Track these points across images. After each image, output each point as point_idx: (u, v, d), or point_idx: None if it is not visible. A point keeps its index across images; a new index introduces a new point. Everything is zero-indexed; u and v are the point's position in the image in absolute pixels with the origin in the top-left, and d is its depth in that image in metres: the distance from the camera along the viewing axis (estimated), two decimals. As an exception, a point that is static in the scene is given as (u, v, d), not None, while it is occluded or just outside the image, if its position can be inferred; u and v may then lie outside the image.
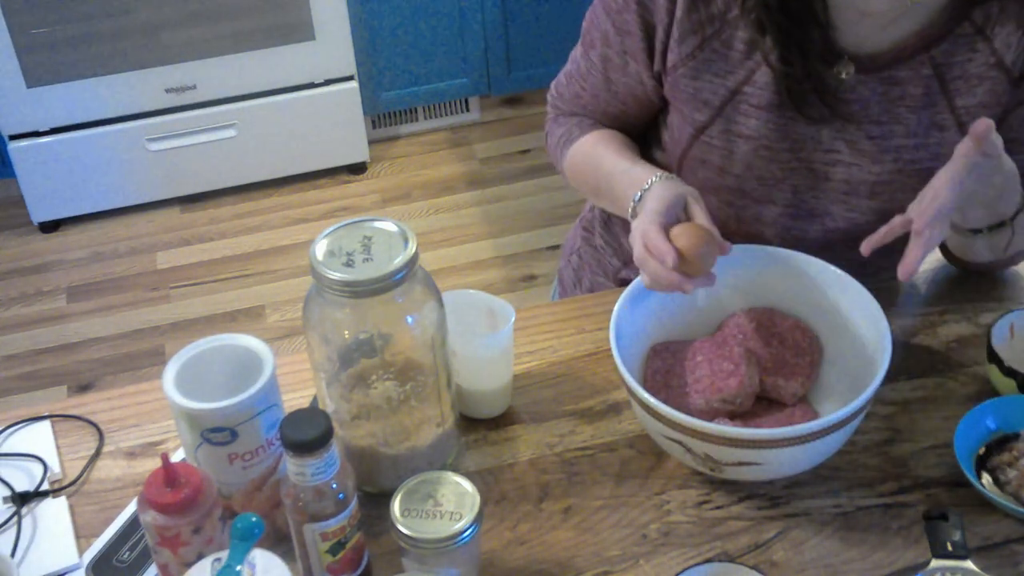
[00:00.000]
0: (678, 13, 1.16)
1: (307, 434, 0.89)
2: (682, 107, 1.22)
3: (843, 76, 1.15)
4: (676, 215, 1.11)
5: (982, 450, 1.09)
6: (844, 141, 1.17)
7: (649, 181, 1.15)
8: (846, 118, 1.16)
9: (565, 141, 1.34)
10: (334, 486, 0.92)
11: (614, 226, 1.41)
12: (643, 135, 1.34)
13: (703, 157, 1.22)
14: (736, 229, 1.25)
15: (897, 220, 1.06)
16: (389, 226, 1.01)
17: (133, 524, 1.07)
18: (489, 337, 1.12)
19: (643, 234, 1.08)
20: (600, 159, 1.28)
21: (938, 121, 1.16)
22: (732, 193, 1.23)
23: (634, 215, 1.15)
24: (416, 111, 3.25)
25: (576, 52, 1.32)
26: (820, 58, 1.14)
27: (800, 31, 1.12)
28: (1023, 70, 1.14)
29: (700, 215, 1.11)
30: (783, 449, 0.99)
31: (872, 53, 1.14)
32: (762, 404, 1.13)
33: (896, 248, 1.35)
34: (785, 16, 1.12)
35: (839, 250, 1.23)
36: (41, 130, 2.83)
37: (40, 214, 2.96)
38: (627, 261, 1.40)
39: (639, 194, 1.15)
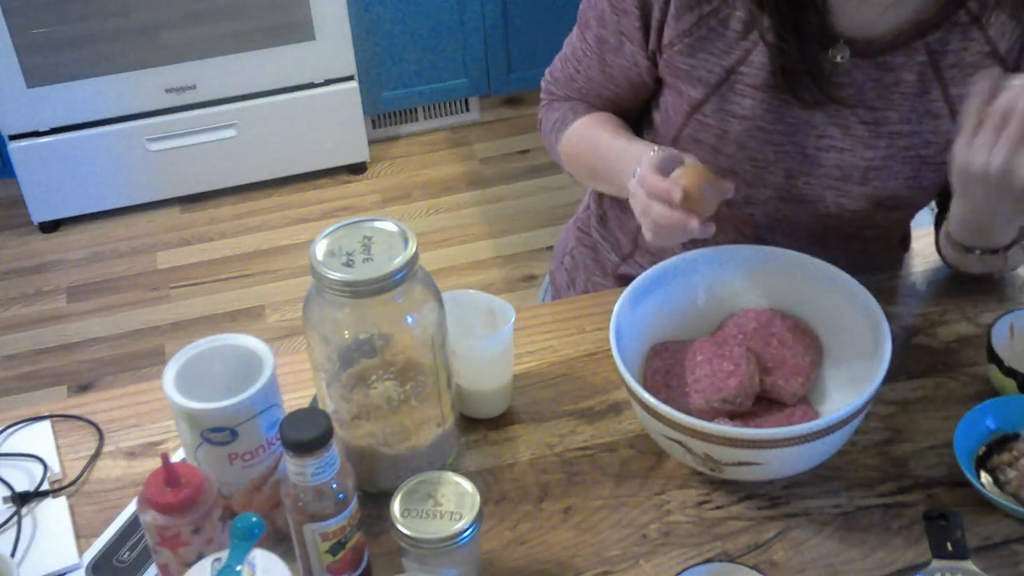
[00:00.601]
0: None
1: (307, 434, 0.89)
2: (677, 84, 1.22)
3: (838, 59, 1.15)
4: (672, 168, 1.12)
5: (982, 450, 1.09)
6: (837, 126, 1.18)
7: (648, 156, 1.16)
8: (840, 102, 1.16)
9: (559, 126, 1.35)
10: (334, 486, 0.92)
11: (610, 222, 1.41)
12: (636, 119, 1.35)
13: (697, 136, 1.22)
14: (727, 212, 1.26)
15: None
16: (389, 226, 1.01)
17: (133, 524, 1.07)
18: (489, 337, 1.12)
19: (642, 180, 1.09)
20: (596, 140, 1.28)
21: (932, 109, 1.16)
22: (724, 174, 1.23)
23: None
24: (416, 111, 3.25)
25: (572, 36, 1.33)
26: (816, 40, 1.14)
27: (797, 13, 1.13)
28: (1017, 60, 1.14)
29: (698, 163, 1.13)
30: (783, 449, 0.99)
31: (867, 38, 1.15)
32: (762, 404, 1.13)
33: (893, 243, 1.35)
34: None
35: (835, 241, 1.24)
36: (41, 130, 2.83)
37: (40, 214, 2.96)
38: (625, 257, 1.40)
39: (637, 169, 1.16)
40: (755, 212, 1.25)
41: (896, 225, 1.31)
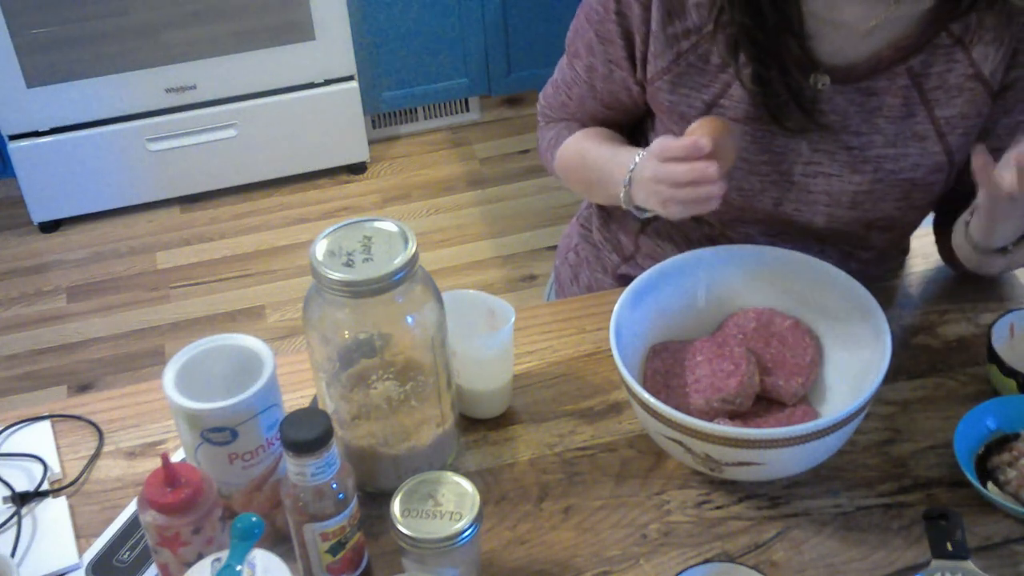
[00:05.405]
0: (653, 27, 1.17)
1: (307, 434, 0.89)
2: (663, 118, 1.23)
3: (819, 87, 1.15)
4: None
5: (982, 450, 1.09)
6: (823, 152, 1.18)
7: (634, 161, 1.16)
8: (824, 128, 1.16)
9: (554, 144, 1.35)
10: (334, 486, 0.92)
11: (612, 222, 1.42)
12: (631, 136, 1.35)
13: None
14: (721, 237, 1.26)
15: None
16: (389, 226, 1.01)
17: (133, 524, 1.07)
18: (489, 337, 1.12)
19: (661, 150, 1.08)
20: (586, 152, 1.29)
21: (918, 131, 1.16)
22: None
23: (627, 199, 1.17)
24: (416, 111, 3.25)
25: (562, 62, 1.33)
26: (797, 68, 1.13)
27: (777, 42, 1.12)
28: (1002, 82, 1.14)
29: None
30: (783, 449, 0.99)
31: (848, 64, 1.14)
32: (762, 404, 1.13)
33: (889, 254, 1.35)
34: (761, 30, 1.12)
35: (832, 261, 1.24)
36: (41, 130, 2.83)
37: (40, 214, 2.96)
38: (626, 258, 1.40)
39: (627, 177, 1.16)
40: (752, 232, 1.26)
41: (892, 243, 1.31)
